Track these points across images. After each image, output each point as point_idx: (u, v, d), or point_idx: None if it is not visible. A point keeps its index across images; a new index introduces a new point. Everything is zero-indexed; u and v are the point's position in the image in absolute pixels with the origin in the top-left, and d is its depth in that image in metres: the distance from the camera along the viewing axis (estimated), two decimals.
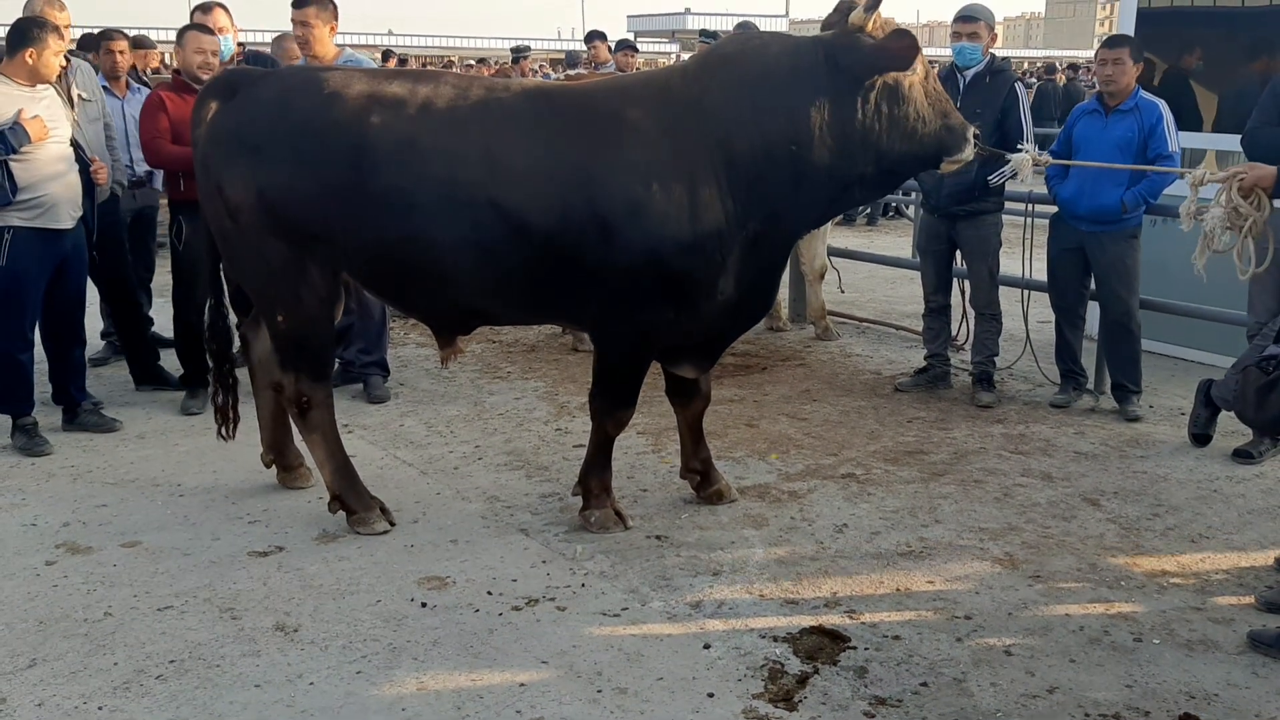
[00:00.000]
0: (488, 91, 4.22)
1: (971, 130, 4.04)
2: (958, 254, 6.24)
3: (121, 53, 6.94)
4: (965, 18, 5.84)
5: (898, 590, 3.97)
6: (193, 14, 6.38)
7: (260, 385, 4.84)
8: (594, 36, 10.84)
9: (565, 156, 4.08)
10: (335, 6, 6.02)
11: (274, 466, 4.94)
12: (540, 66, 17.52)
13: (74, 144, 5.43)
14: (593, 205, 4.03)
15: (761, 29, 5.38)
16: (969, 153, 4.09)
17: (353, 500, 4.47)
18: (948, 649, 3.58)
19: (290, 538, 4.42)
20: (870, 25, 3.95)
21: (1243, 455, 5.25)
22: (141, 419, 5.89)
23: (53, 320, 5.53)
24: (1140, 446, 5.50)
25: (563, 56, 17.04)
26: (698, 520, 4.59)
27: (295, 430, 4.72)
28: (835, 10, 4.11)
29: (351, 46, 7.82)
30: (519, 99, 4.21)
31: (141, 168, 6.58)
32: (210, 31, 5.86)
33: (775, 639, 3.64)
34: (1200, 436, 5.34)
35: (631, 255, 4.04)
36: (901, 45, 3.95)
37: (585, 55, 11.31)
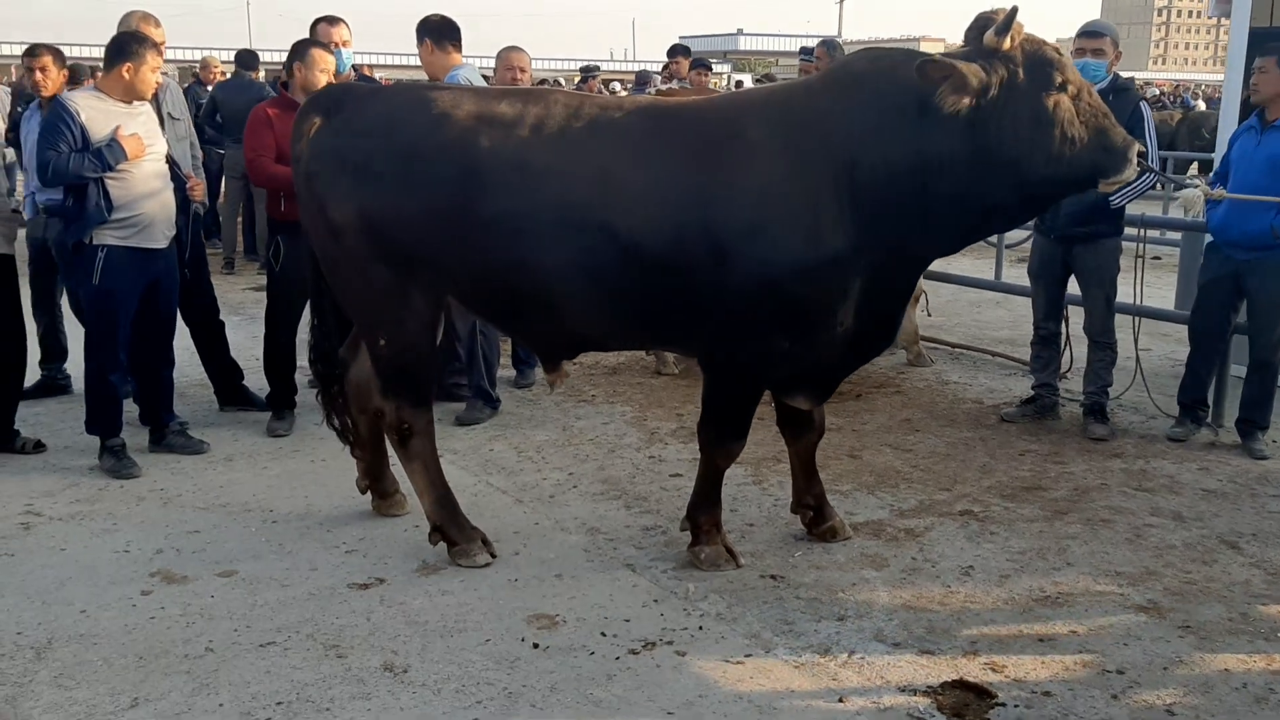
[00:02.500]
0: (600, 110, 4.05)
1: (1135, 148, 3.77)
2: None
3: (44, 69, 6.08)
4: (1090, 33, 5.59)
5: (1039, 640, 3.72)
6: (315, 26, 6.24)
7: (357, 409, 4.69)
8: (677, 51, 10.68)
9: (682, 177, 3.89)
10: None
11: (369, 493, 4.79)
12: (619, 84, 17.27)
13: (169, 161, 5.34)
14: (709, 228, 3.84)
15: (846, 47, 5.14)
16: (1130, 173, 3.81)
17: (454, 532, 4.30)
18: (1104, 708, 3.32)
19: (390, 569, 4.25)
20: (1007, 45, 3.71)
21: None
22: (228, 441, 5.77)
23: (143, 340, 5.42)
24: (1271, 485, 5.19)
25: (632, 76, 16.91)
26: (812, 559, 4.36)
27: (392, 455, 4.57)
28: (971, 27, 3.88)
29: (395, 69, 7.40)
30: (633, 117, 4.03)
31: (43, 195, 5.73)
32: (330, 49, 5.75)
33: (915, 692, 3.40)
34: None
35: (748, 281, 3.84)
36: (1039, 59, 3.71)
37: (663, 72, 11.15)
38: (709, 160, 3.90)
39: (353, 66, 6.60)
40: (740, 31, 52.66)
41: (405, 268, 4.08)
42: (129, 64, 5.01)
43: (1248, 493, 5.10)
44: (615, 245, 3.90)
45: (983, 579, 4.18)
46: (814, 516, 4.52)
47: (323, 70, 5.62)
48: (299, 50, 5.72)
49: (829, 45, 9.65)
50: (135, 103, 5.12)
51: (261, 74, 12.28)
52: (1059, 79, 3.72)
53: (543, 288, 4.01)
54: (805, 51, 10.50)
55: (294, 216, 5.36)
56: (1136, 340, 6.11)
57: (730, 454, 4.23)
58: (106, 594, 4.02)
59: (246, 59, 11.37)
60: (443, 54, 6.08)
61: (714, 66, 16.79)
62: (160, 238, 5.25)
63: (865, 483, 5.19)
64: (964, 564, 4.31)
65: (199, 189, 5.56)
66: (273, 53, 23.47)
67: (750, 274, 3.83)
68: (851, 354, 4.17)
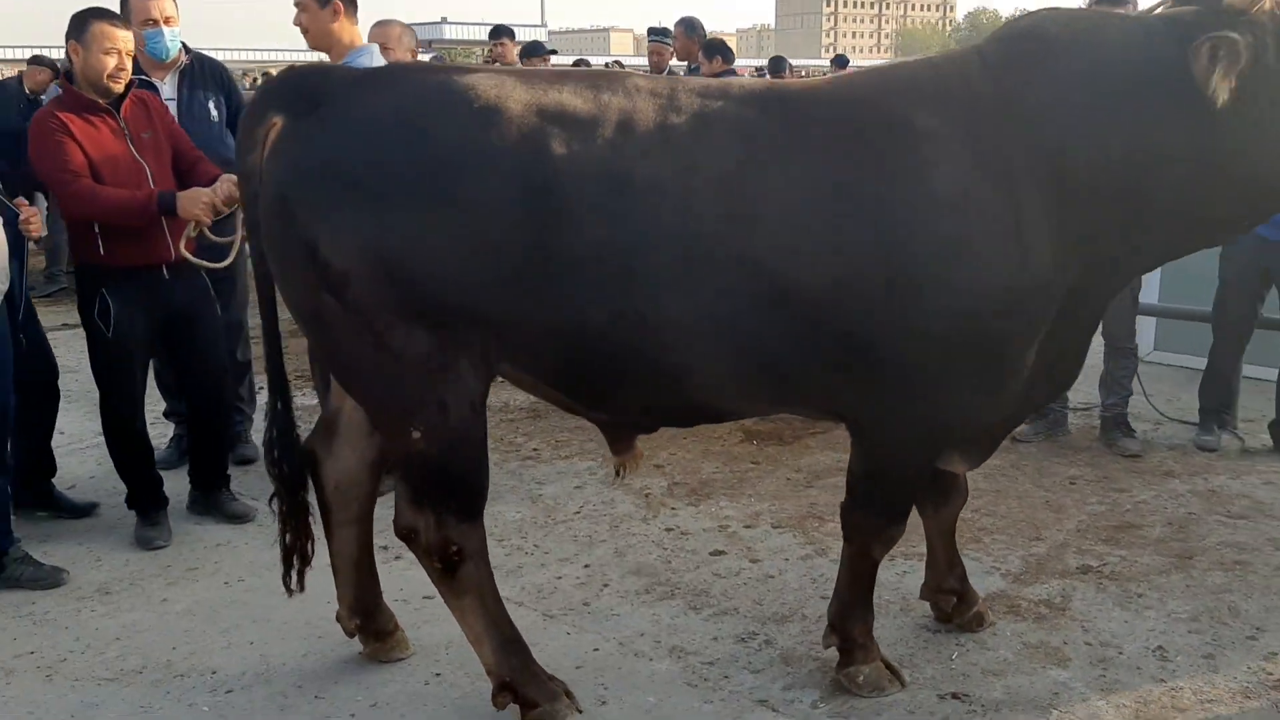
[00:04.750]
0: (702, 99, 2.95)
1: None
2: None
3: None
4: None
5: None
6: None
7: (339, 520, 3.38)
8: (501, 33, 9.45)
9: (840, 185, 2.87)
10: None
11: (357, 634, 3.48)
12: None
13: None
14: (887, 251, 2.84)
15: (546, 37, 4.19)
16: None
17: (532, 688, 3.09)
18: None
19: None
20: (1257, 7, 2.86)
21: None
22: (89, 563, 4.22)
23: None
24: None
25: None
26: (976, 660, 3.46)
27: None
28: None
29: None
30: (748, 107, 2.95)
31: None
32: (124, 23, 4.23)
33: None
34: None
35: (938, 317, 2.86)
36: None
37: (486, 56, 9.87)
38: (872, 160, 2.88)
39: (185, 48, 5.03)
40: (445, 20, 50.95)
41: (447, 329, 2.84)
42: None
43: None
44: (757, 283, 2.83)
45: (1188, 665, 3.41)
46: (958, 602, 3.61)
47: (106, 51, 4.09)
48: (78, 25, 4.14)
49: (688, 26, 8.76)
50: None
51: None
52: None
53: (655, 346, 2.88)
54: (656, 32, 9.52)
55: (126, 260, 4.05)
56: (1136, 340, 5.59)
57: (891, 541, 3.25)
58: None
59: None
60: (350, 24, 4.65)
61: (420, 56, 15.37)
62: None
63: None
64: (1149, 645, 3.53)
65: (35, 220, 3.95)
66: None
67: (942, 308, 2.85)
68: (1029, 401, 3.28)
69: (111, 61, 4.07)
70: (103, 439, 4.51)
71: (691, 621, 3.73)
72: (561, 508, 4.72)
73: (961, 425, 3.11)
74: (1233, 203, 2.99)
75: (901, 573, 4.02)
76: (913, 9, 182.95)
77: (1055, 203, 2.90)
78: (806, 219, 2.84)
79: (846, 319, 2.88)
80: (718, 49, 8.51)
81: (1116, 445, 5.25)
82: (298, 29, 4.57)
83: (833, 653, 3.43)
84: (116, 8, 4.72)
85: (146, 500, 4.45)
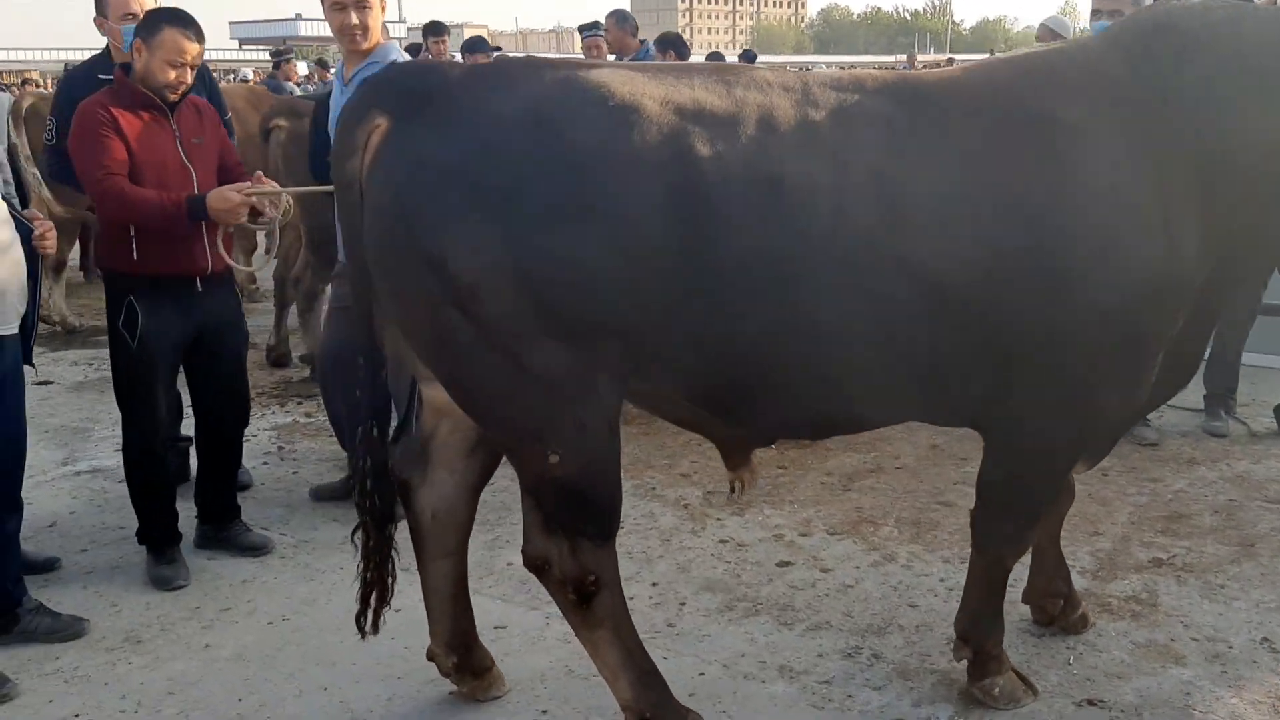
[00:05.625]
0: (839, 94, 2.79)
1: None
2: None
3: None
4: None
5: None
6: None
7: (435, 553, 3.12)
8: (440, 30, 9.12)
9: (988, 182, 2.75)
10: None
11: (455, 672, 3.21)
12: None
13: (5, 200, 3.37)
14: (1043, 250, 2.73)
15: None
16: None
17: None
18: None
19: None
20: None
21: None
22: (103, 609, 3.83)
23: None
24: None
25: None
26: (1094, 663, 3.38)
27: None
28: None
29: None
30: (886, 102, 2.81)
31: None
32: (197, 34, 3.86)
33: None
34: None
35: (1091, 316, 2.77)
36: None
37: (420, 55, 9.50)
38: (1020, 156, 2.77)
39: None
40: (299, 16, 49.62)
41: (586, 343, 2.62)
42: None
43: None
44: (912, 285, 2.70)
45: None
46: (1065, 605, 3.53)
47: (174, 65, 3.80)
48: (149, 26, 3.84)
49: (619, 17, 8.61)
50: None
51: None
52: None
53: (810, 355, 2.72)
54: (587, 27, 9.29)
55: (159, 268, 3.76)
56: None
57: (1026, 548, 3.15)
58: None
59: None
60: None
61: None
62: (11, 316, 3.30)
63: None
64: (1254, 637, 3.51)
65: (50, 236, 3.55)
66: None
67: (1096, 307, 2.76)
68: (1154, 397, 3.22)
69: (173, 75, 3.76)
70: (70, 469, 4.11)
71: (787, 638, 3.57)
72: None
73: (1105, 424, 3.03)
74: None
75: None
76: (766, 5, 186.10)
77: (1199, 196, 2.84)
78: (959, 218, 2.72)
79: (1000, 321, 2.77)
80: (671, 43, 8.38)
81: (1133, 434, 5.27)
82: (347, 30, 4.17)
83: (947, 664, 3.33)
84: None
85: (161, 536, 4.08)
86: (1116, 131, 2.82)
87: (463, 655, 3.20)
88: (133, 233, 3.75)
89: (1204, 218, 2.86)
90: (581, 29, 9.54)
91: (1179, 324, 2.95)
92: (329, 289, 5.02)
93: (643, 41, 8.66)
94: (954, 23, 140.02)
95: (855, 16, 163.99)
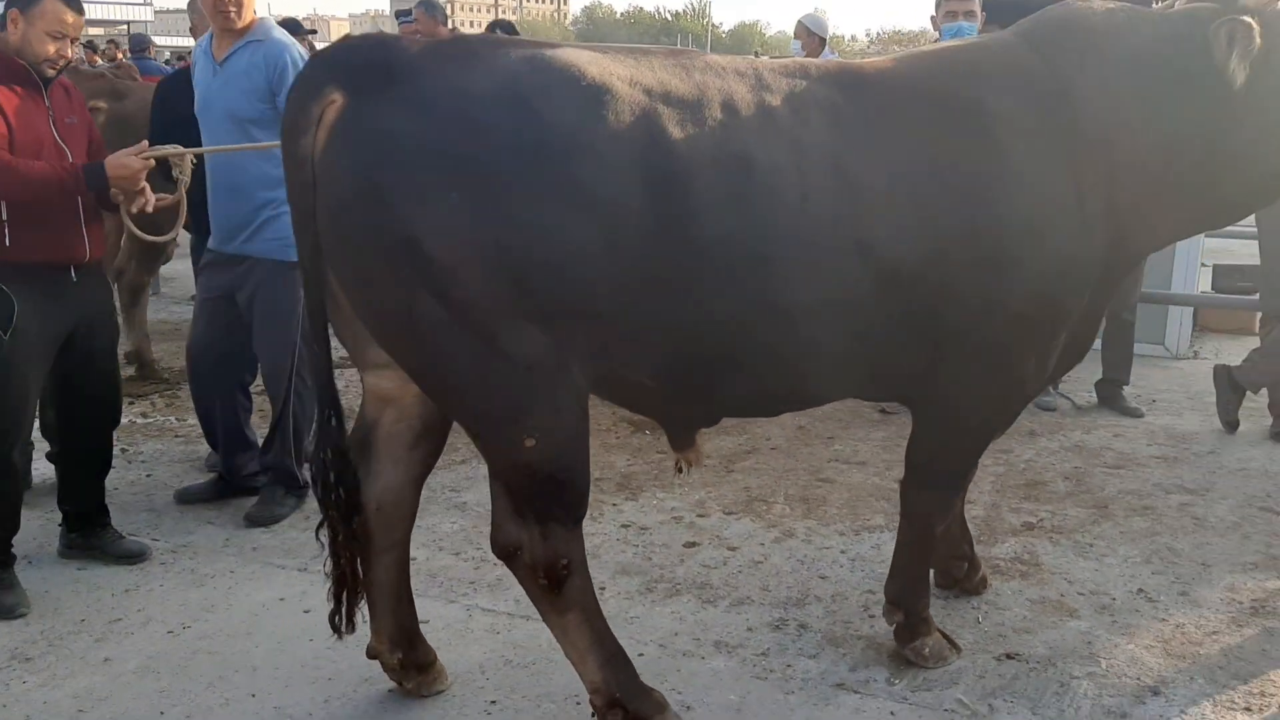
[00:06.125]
0: (787, 78, 2.89)
1: None
2: None
3: None
4: None
5: None
6: None
7: (381, 546, 3.02)
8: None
9: (938, 166, 2.91)
10: None
11: (399, 669, 3.12)
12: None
13: None
14: (983, 232, 2.92)
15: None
16: None
17: (641, 703, 2.90)
18: None
19: None
20: (1269, 5, 3.17)
21: None
22: None
23: None
24: (1193, 441, 5.34)
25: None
26: (1000, 620, 3.62)
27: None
28: None
29: None
30: (832, 88, 2.92)
31: None
32: (77, 5, 3.57)
33: None
34: (1233, 423, 5.38)
35: (1021, 295, 2.98)
36: None
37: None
38: (959, 142, 2.95)
39: None
40: (148, 2, 46.65)
41: (564, 325, 2.61)
42: None
43: (1208, 454, 5.19)
44: (867, 264, 2.82)
45: (1172, 603, 3.74)
46: (969, 568, 3.75)
47: (54, 36, 3.53)
48: None
49: (428, 6, 8.50)
50: None
51: None
52: None
53: (776, 334, 2.80)
54: (403, 13, 9.13)
55: (33, 255, 3.51)
56: None
57: (952, 513, 3.33)
58: None
59: None
60: None
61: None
62: None
63: (871, 513, 4.48)
64: (1131, 589, 3.84)
65: None
66: None
67: (1026, 283, 2.97)
68: (1056, 369, 3.46)
69: (53, 48, 3.44)
70: None
71: (714, 615, 3.64)
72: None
73: (1022, 395, 3.25)
74: (1237, 186, 3.29)
75: (876, 545, 4.13)
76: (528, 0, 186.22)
77: (1104, 183, 3.08)
78: (908, 201, 2.86)
79: (943, 298, 2.92)
80: (504, 30, 8.30)
81: (1039, 403, 5.68)
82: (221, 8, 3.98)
83: (870, 630, 3.49)
84: None
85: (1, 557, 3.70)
86: (1039, 121, 3.02)
87: (407, 651, 3.11)
88: (4, 216, 3.43)
89: (1108, 202, 3.10)
90: (398, 15, 9.38)
91: (1085, 300, 3.20)
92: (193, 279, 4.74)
93: (453, 30, 8.58)
94: (713, 25, 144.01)
95: (618, 15, 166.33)
